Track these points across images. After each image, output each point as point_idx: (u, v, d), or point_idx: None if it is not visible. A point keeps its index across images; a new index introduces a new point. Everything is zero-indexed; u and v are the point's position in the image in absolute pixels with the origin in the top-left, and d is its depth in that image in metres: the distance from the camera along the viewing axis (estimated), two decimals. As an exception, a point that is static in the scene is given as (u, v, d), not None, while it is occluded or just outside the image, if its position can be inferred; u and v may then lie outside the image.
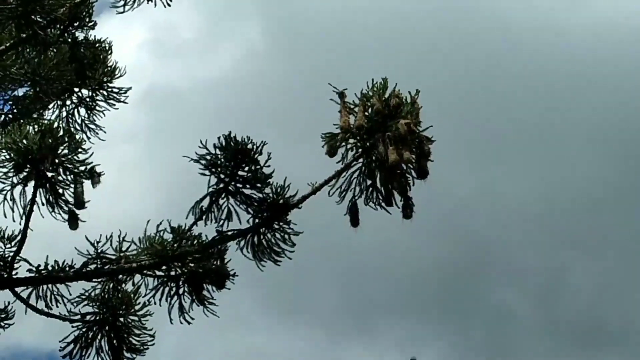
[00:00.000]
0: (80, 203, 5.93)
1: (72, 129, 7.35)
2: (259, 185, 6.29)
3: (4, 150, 5.84)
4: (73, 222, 5.96)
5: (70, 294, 6.34)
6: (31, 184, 5.90)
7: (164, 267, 6.29)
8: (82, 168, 5.94)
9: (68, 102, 7.54)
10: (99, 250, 6.23)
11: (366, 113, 6.09)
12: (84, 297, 6.32)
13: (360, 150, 6.15)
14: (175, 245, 6.21)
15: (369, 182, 6.18)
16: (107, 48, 7.52)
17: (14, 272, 6.19)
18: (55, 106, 7.51)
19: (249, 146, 6.23)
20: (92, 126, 7.59)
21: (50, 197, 5.93)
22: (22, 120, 6.13)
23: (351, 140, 6.15)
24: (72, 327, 6.29)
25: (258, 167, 6.27)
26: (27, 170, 5.85)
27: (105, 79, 7.53)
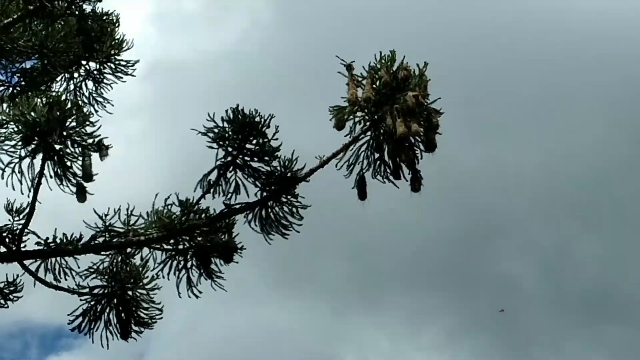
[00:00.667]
0: (88, 176, 5.93)
1: (80, 102, 7.34)
2: (266, 158, 6.28)
3: (12, 123, 5.83)
4: (81, 195, 5.96)
5: (79, 267, 6.37)
6: (39, 156, 5.89)
7: (172, 241, 6.29)
8: (90, 141, 5.93)
9: (76, 75, 7.54)
10: (107, 224, 6.24)
11: (374, 86, 6.06)
12: (92, 270, 6.33)
13: (368, 123, 6.13)
14: (183, 218, 6.21)
15: (376, 155, 6.16)
16: (114, 21, 7.50)
17: (22, 245, 6.20)
18: (63, 79, 7.50)
19: (257, 119, 6.21)
20: (100, 99, 7.59)
21: (59, 170, 5.93)
22: (30, 93, 6.10)
23: (359, 113, 6.12)
24: (81, 300, 6.31)
25: (266, 140, 6.25)
26: (35, 142, 5.85)
27: (112, 52, 7.51)
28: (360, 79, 6.08)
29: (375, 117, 6.09)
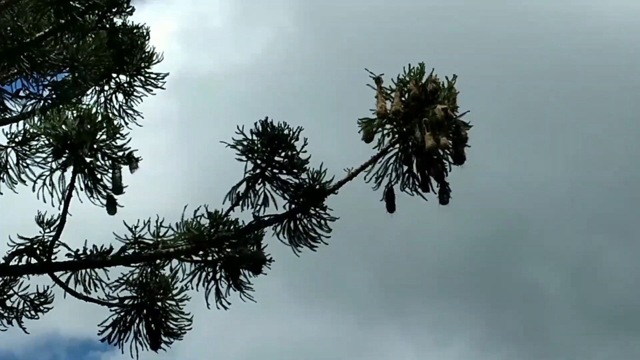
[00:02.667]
0: (118, 188, 5.96)
1: (110, 115, 7.39)
2: (295, 170, 6.29)
3: (43, 136, 5.88)
4: (111, 207, 5.99)
5: (109, 278, 6.40)
6: (70, 169, 5.93)
7: (201, 252, 6.32)
8: (120, 153, 5.96)
9: (106, 88, 7.60)
10: (136, 235, 6.28)
11: (403, 98, 6.06)
12: (122, 281, 6.36)
13: (396, 135, 6.13)
14: (212, 230, 6.24)
15: (405, 167, 6.16)
16: (144, 34, 7.57)
17: (53, 257, 6.25)
18: (94, 92, 7.57)
19: (286, 132, 6.24)
20: (130, 112, 7.64)
21: (89, 182, 5.96)
22: (61, 106, 6.15)
23: (388, 126, 6.13)
24: (111, 311, 6.34)
25: (294, 152, 6.27)
26: (66, 155, 5.88)
27: (142, 65, 7.57)
28: (389, 91, 6.09)
29: (404, 129, 6.09)
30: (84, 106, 6.07)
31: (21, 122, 7.15)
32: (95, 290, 6.39)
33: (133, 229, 6.27)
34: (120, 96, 7.62)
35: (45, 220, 6.29)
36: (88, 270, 6.37)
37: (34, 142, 6.18)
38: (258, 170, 6.32)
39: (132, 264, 6.35)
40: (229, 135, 6.26)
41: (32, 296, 6.57)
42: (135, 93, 7.61)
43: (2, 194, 7.08)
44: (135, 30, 7.53)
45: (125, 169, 5.98)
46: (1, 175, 7.06)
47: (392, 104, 6.05)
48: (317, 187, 6.28)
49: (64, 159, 5.90)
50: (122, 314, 6.34)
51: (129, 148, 5.97)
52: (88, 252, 6.28)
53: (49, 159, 5.90)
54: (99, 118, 5.91)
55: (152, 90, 7.63)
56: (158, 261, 6.34)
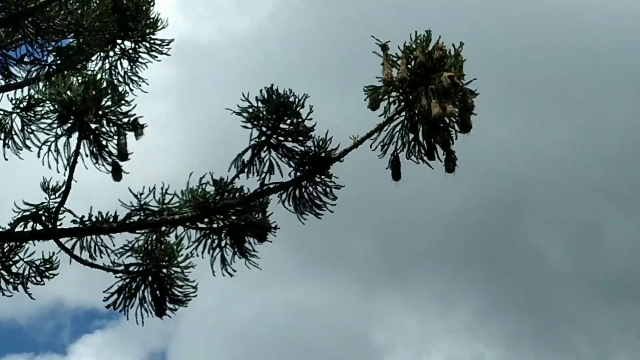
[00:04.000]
0: (123, 155, 5.95)
1: (115, 81, 7.36)
2: (301, 138, 6.28)
3: (48, 102, 5.86)
4: (117, 173, 5.99)
5: (114, 245, 6.41)
6: (75, 135, 5.93)
7: (206, 220, 6.32)
8: (125, 120, 5.95)
9: (111, 54, 7.55)
10: (142, 202, 6.28)
11: (409, 66, 6.03)
12: (127, 248, 6.37)
13: (402, 103, 6.11)
14: (217, 197, 6.24)
15: (411, 135, 6.15)
16: (149, 0, 7.50)
17: (58, 223, 6.26)
18: (99, 58, 7.52)
19: (291, 99, 6.21)
20: (135, 78, 7.59)
21: (94, 149, 5.96)
22: (65, 72, 6.13)
23: (394, 94, 6.10)
24: (116, 277, 6.36)
25: (300, 120, 6.25)
26: (71, 121, 5.88)
27: (147, 31, 7.52)
28: (395, 59, 6.05)
29: (410, 97, 6.07)
30: (89, 72, 6.06)
31: (26, 88, 7.13)
32: (101, 257, 6.41)
33: (138, 196, 6.27)
34: (125, 62, 7.57)
35: (50, 187, 6.28)
36: (93, 236, 6.38)
37: (39, 108, 6.16)
38: (263, 138, 6.31)
39: (137, 231, 6.35)
40: (232, 103, 6.24)
41: (37, 262, 6.58)
42: (140, 59, 7.56)
43: (7, 160, 7.08)
44: (140, -4, 7.47)
45: (130, 135, 5.97)
46: (6, 141, 7.05)
47: (398, 72, 6.02)
48: (323, 154, 6.27)
49: (69, 125, 5.89)
50: (127, 280, 6.35)
51: (134, 114, 5.95)
52: (93, 219, 6.28)
53: (54, 125, 5.89)
54: (104, 84, 5.89)
55: (157, 57, 7.58)
56: (163, 228, 6.35)
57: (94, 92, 5.83)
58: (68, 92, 5.81)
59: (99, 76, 5.93)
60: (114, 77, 7.47)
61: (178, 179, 6.32)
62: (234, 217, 6.34)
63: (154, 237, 6.39)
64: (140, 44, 7.54)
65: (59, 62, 7.40)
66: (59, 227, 6.27)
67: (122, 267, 6.37)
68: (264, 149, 6.32)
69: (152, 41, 7.55)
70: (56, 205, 6.22)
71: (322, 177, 6.31)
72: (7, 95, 6.99)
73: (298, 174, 6.32)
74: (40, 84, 5.98)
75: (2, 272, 6.57)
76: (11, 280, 6.59)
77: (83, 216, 6.28)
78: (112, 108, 5.90)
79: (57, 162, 5.97)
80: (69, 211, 6.26)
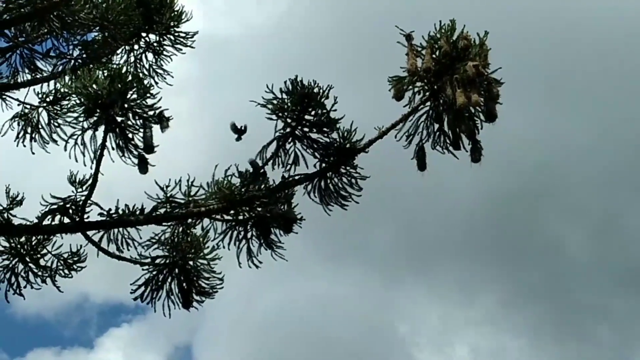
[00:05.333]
0: (149, 147, 5.97)
1: (140, 74, 7.38)
2: (325, 129, 6.28)
3: (74, 95, 5.88)
4: (143, 166, 6.01)
5: (141, 238, 6.45)
6: (101, 128, 5.94)
7: (232, 212, 6.34)
8: (151, 113, 5.97)
9: (136, 47, 7.57)
10: (168, 195, 6.30)
11: (434, 55, 6.02)
12: (154, 240, 6.40)
13: (427, 93, 6.10)
14: (243, 189, 6.25)
15: (436, 125, 6.14)
16: (173, -8, 7.51)
17: (85, 216, 6.29)
18: (124, 51, 7.54)
19: (316, 90, 6.21)
20: (160, 71, 7.61)
21: (120, 142, 5.97)
22: (91, 65, 6.15)
23: (418, 84, 6.09)
24: (143, 270, 6.38)
25: (325, 111, 6.25)
26: (97, 114, 5.89)
27: (172, 24, 7.53)
28: (419, 49, 6.04)
29: (435, 87, 6.05)
30: (114, 66, 6.06)
31: (52, 82, 7.20)
32: (128, 250, 6.45)
33: (164, 189, 6.29)
34: (150, 55, 7.59)
35: (77, 180, 6.32)
36: (120, 229, 6.41)
37: (65, 102, 6.19)
38: (288, 129, 6.31)
39: (163, 223, 6.37)
40: (252, 96, 6.24)
41: (65, 255, 6.62)
42: (164, 52, 7.58)
43: (34, 153, 7.13)
44: (163, -11, 7.48)
45: (156, 128, 5.99)
46: (33, 135, 7.11)
47: (422, 61, 6.01)
48: (348, 145, 6.26)
49: (95, 118, 5.91)
50: (154, 273, 6.38)
51: (160, 107, 5.97)
52: (120, 212, 6.31)
53: (81, 119, 5.91)
54: (130, 77, 5.91)
55: (181, 49, 7.59)
56: (189, 220, 6.37)
57: (119, 85, 5.85)
58: (94, 86, 5.82)
59: (124, 69, 5.93)
60: (139, 70, 7.50)
61: (203, 172, 6.34)
62: (259, 209, 6.35)
63: (181, 229, 6.42)
64: (164, 37, 7.55)
65: (84, 55, 7.44)
66: (86, 220, 6.30)
67: (149, 260, 6.40)
68: (289, 140, 6.32)
69: (176, 34, 7.57)
70: (83, 198, 6.25)
71: (347, 168, 6.30)
72: (34, 89, 7.06)
73: (323, 165, 6.32)
74: (66, 78, 6.01)
75: (31, 265, 6.62)
76: (39, 273, 6.63)
77: (110, 209, 6.31)
78: (138, 101, 5.92)
79: (84, 156, 5.98)
80: (96, 204, 6.29)
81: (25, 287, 6.64)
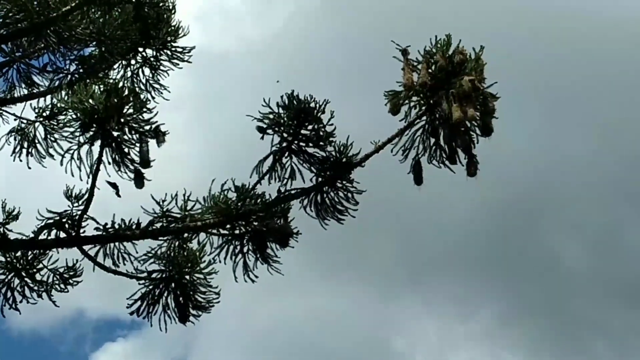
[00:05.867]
0: (145, 162, 5.98)
1: (137, 89, 7.40)
2: (322, 143, 6.29)
3: (70, 110, 5.89)
4: (139, 181, 6.01)
5: (137, 252, 6.44)
6: (97, 143, 5.95)
7: (228, 226, 6.34)
8: (147, 127, 5.98)
9: (133, 62, 7.59)
10: (164, 209, 6.30)
11: (430, 70, 6.03)
12: (150, 255, 6.40)
13: (423, 108, 6.11)
14: (239, 204, 6.25)
15: (432, 140, 6.14)
16: (170, 7, 7.55)
17: (81, 231, 6.29)
18: (120, 66, 7.56)
19: (312, 105, 6.22)
20: (157, 86, 7.63)
21: (116, 156, 5.98)
22: (88, 80, 6.17)
23: (414, 98, 6.10)
24: (139, 284, 6.37)
25: (321, 125, 6.26)
26: (93, 129, 5.90)
27: (169, 39, 7.56)
28: (415, 63, 6.05)
29: (431, 101, 6.06)
30: (111, 80, 6.09)
31: (49, 97, 7.23)
32: (124, 264, 6.45)
33: (161, 203, 6.30)
34: (147, 70, 7.61)
35: (73, 194, 6.33)
36: (116, 244, 6.41)
37: (62, 117, 6.22)
38: (284, 144, 6.32)
39: (160, 238, 6.38)
40: (249, 111, 6.25)
41: (61, 269, 6.62)
42: (161, 67, 7.60)
43: (30, 168, 7.15)
44: (161, 4, 7.51)
45: (152, 142, 6.00)
46: (30, 150, 7.13)
47: (418, 76, 6.02)
48: (344, 160, 6.27)
49: (91, 133, 5.92)
50: (150, 287, 6.37)
51: (156, 122, 5.98)
52: (116, 226, 6.31)
53: (77, 133, 5.92)
54: (126, 92, 5.92)
55: (178, 64, 7.62)
56: (186, 235, 6.37)
57: (115, 100, 5.86)
58: (90, 101, 5.83)
59: (120, 84, 5.95)
60: (135, 85, 7.52)
61: (199, 187, 6.35)
62: (255, 223, 6.35)
63: (177, 243, 6.42)
64: (161, 52, 7.58)
65: (81, 70, 7.45)
66: (82, 235, 6.30)
67: (145, 274, 6.39)
68: (285, 154, 6.33)
69: (173, 49, 7.59)
70: (79, 212, 6.25)
71: (344, 182, 6.31)
72: (30, 104, 7.10)
73: (319, 179, 6.33)
74: (63, 93, 6.04)
75: (27, 279, 6.61)
76: (35, 287, 6.63)
77: (106, 223, 6.31)
78: (134, 115, 5.93)
79: (80, 170, 5.99)
80: (92, 219, 6.29)
81: (21, 301, 6.65)
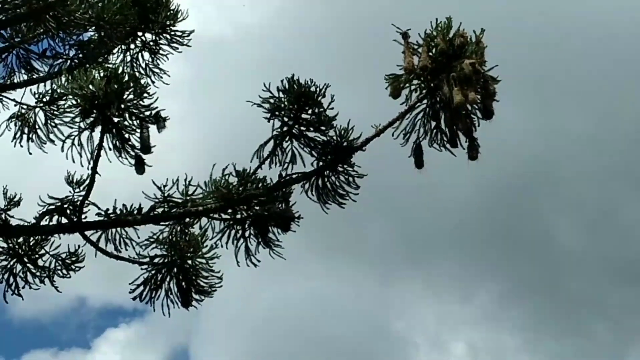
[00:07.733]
0: (146, 148, 5.97)
1: (137, 74, 7.37)
2: (322, 128, 6.29)
3: (70, 96, 5.88)
4: (140, 166, 6.02)
5: (139, 237, 6.45)
6: (98, 129, 5.95)
7: (229, 211, 6.34)
8: (148, 113, 5.97)
9: (132, 47, 7.56)
10: (165, 194, 6.30)
11: (430, 53, 6.03)
12: (152, 240, 6.40)
13: (424, 91, 6.11)
14: (240, 188, 6.25)
15: (433, 123, 6.15)
16: (168, -9, 7.51)
17: (83, 216, 6.30)
18: (120, 51, 7.53)
19: (312, 89, 6.22)
20: (156, 70, 7.61)
21: (117, 142, 5.98)
22: (87, 66, 6.15)
23: (415, 82, 6.10)
24: (141, 269, 6.38)
25: (322, 109, 6.26)
26: (93, 115, 5.90)
27: (168, 23, 7.53)
28: (416, 47, 6.04)
29: (432, 85, 6.06)
30: (111, 65, 6.06)
31: (48, 82, 7.21)
32: (126, 249, 6.46)
33: (162, 188, 6.29)
34: (147, 55, 7.59)
35: (74, 180, 6.32)
36: (118, 229, 6.42)
37: (62, 102, 6.19)
38: (285, 128, 6.32)
39: (161, 223, 6.38)
40: (247, 96, 6.25)
41: (63, 255, 6.63)
42: (161, 51, 7.57)
43: (31, 154, 7.14)
44: (159, -12, 7.47)
45: (152, 128, 6.00)
46: (30, 136, 7.12)
47: (419, 60, 6.01)
48: (345, 144, 6.27)
49: (92, 118, 5.91)
50: (152, 272, 6.38)
51: (157, 107, 5.97)
52: (118, 212, 6.31)
53: (77, 119, 5.91)
54: (126, 77, 5.91)
55: (177, 48, 7.59)
56: (187, 220, 6.37)
57: (116, 86, 5.85)
58: (90, 86, 5.82)
59: (120, 69, 5.94)
60: (135, 70, 7.49)
61: (201, 171, 6.35)
62: (257, 208, 6.35)
63: (178, 228, 6.42)
64: (161, 36, 7.55)
65: (80, 55, 7.43)
66: (84, 220, 6.31)
67: (147, 259, 6.40)
68: (286, 139, 6.33)
69: (172, 33, 7.56)
70: (81, 198, 6.26)
71: (345, 166, 6.32)
72: (30, 89, 7.07)
73: (320, 163, 6.33)
74: (63, 78, 6.00)
75: (29, 265, 6.63)
76: (38, 273, 6.64)
77: (107, 209, 6.31)
78: (135, 101, 5.92)
79: (81, 156, 5.99)
80: (94, 204, 6.29)
81: (23, 287, 6.66)
